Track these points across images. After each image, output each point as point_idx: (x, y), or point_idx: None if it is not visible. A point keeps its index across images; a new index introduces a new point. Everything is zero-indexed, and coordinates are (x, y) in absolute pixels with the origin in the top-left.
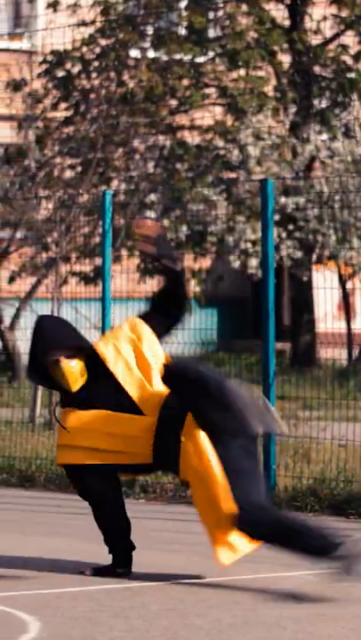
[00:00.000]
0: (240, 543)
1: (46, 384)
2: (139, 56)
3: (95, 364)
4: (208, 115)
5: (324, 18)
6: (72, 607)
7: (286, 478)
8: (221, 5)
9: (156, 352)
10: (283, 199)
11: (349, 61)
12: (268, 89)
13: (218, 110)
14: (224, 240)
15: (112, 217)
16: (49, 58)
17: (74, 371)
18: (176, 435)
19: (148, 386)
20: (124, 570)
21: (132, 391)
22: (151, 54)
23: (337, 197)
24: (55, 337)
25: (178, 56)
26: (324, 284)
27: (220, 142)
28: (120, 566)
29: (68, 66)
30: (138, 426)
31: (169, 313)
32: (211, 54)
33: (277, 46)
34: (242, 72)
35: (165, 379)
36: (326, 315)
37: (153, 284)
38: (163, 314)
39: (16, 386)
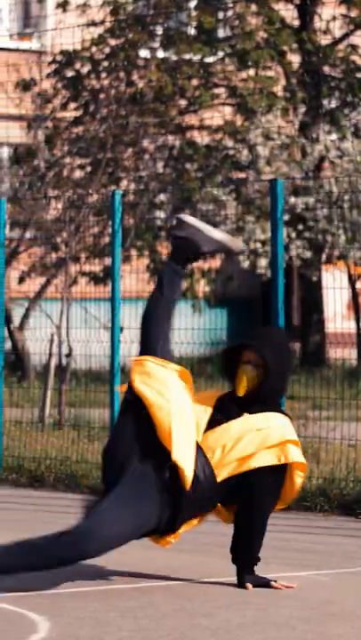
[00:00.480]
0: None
1: (226, 375)
2: (148, 56)
3: None
4: (217, 115)
5: (334, 18)
6: (81, 607)
7: None
8: (231, 5)
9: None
10: (292, 199)
11: (359, 61)
12: (278, 89)
13: (227, 110)
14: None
15: (121, 217)
16: (58, 58)
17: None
18: None
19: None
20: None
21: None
22: (161, 54)
23: (346, 197)
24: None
25: (187, 56)
26: (334, 284)
27: (229, 142)
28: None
29: (78, 66)
30: None
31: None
32: (220, 54)
33: (287, 46)
34: (251, 72)
35: None
36: (336, 315)
37: None
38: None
39: (25, 386)
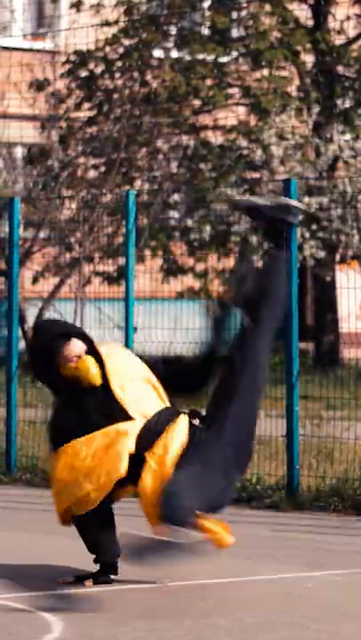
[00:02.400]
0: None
1: (52, 383)
2: (162, 56)
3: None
4: (231, 115)
5: (348, 17)
6: (95, 607)
7: (310, 478)
8: (245, 5)
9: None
10: (306, 199)
11: None
12: (292, 89)
13: (241, 110)
14: (248, 240)
15: (135, 217)
16: (72, 58)
17: (93, 365)
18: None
19: (145, 396)
20: (108, 578)
21: (122, 395)
22: (174, 54)
23: (360, 197)
24: (67, 329)
25: (201, 56)
26: (348, 284)
27: (243, 142)
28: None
29: (92, 66)
30: (118, 431)
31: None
32: (234, 54)
33: (301, 46)
34: (265, 72)
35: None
36: (350, 314)
37: (176, 285)
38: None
39: (39, 386)
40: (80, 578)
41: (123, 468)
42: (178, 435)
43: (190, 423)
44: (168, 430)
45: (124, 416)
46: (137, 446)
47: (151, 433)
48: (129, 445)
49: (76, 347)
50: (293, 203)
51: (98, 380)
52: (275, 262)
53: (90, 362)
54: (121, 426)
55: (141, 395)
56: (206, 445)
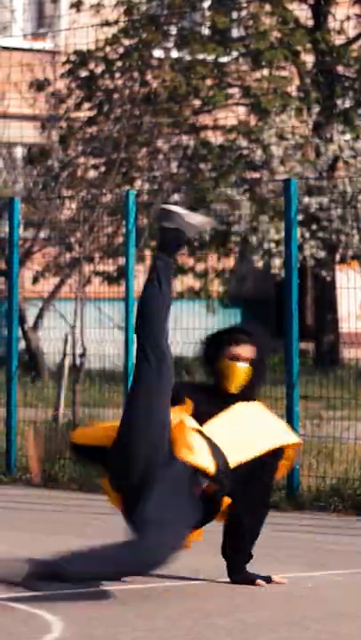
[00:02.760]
0: None
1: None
2: (162, 56)
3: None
4: (231, 115)
5: (348, 17)
6: (95, 607)
7: (310, 478)
8: (245, 5)
9: None
10: (306, 199)
11: None
12: (292, 89)
13: (241, 110)
14: (248, 240)
15: (135, 217)
16: (72, 58)
17: (246, 376)
18: None
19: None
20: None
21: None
22: (174, 54)
23: (360, 197)
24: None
25: (201, 56)
26: (348, 284)
27: (243, 142)
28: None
29: (92, 66)
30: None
31: None
32: (234, 54)
33: (301, 46)
34: (265, 72)
35: None
36: (350, 314)
37: (176, 285)
38: None
39: (39, 386)
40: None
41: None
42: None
43: None
44: None
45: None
46: None
47: None
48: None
49: (247, 351)
50: (210, 227)
51: (236, 390)
52: (165, 267)
53: (244, 371)
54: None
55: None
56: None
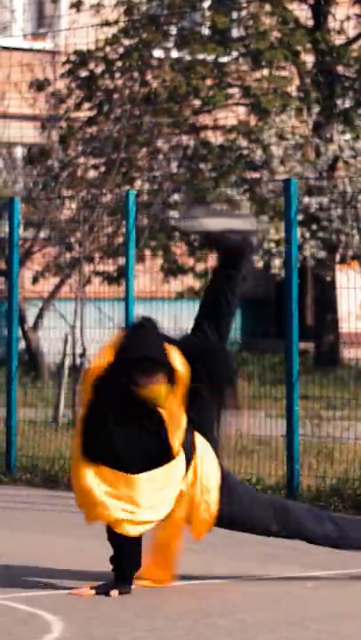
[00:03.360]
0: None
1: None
2: (162, 56)
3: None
4: (231, 115)
5: (348, 17)
6: (95, 607)
7: (310, 478)
8: (245, 5)
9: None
10: (306, 199)
11: None
12: (292, 89)
13: (241, 110)
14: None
15: (135, 217)
16: (72, 58)
17: (166, 392)
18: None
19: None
20: (127, 589)
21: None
22: (174, 54)
23: (360, 197)
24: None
25: (201, 56)
26: (348, 284)
27: (243, 142)
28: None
29: (92, 66)
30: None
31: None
32: (234, 54)
33: (301, 46)
34: (265, 72)
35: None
36: (350, 314)
37: (176, 284)
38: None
39: (39, 386)
40: (96, 588)
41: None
42: (206, 458)
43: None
44: (195, 456)
45: (168, 447)
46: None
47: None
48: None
49: (158, 375)
50: (246, 224)
51: (165, 406)
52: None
53: (164, 389)
54: (171, 471)
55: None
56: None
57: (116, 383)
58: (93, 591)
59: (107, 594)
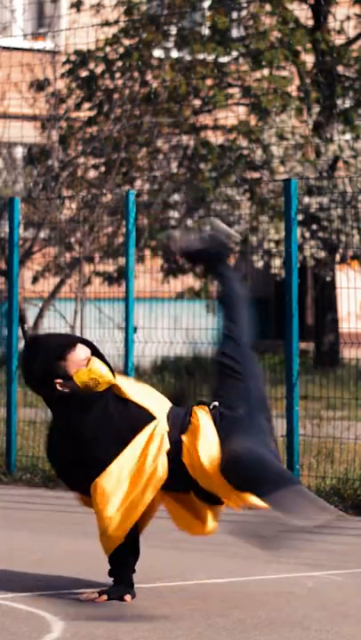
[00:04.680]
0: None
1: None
2: (162, 56)
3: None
4: (231, 115)
5: (348, 17)
6: (96, 607)
7: (310, 478)
8: (245, 5)
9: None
10: (306, 199)
11: None
12: (292, 89)
13: (241, 110)
14: (248, 240)
15: (135, 217)
16: (72, 58)
17: (102, 365)
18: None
19: (153, 393)
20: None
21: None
22: (175, 54)
23: (360, 197)
24: (68, 338)
25: (201, 56)
26: (348, 284)
27: (243, 142)
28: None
29: (92, 66)
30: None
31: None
32: (234, 54)
33: (301, 46)
34: (265, 72)
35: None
36: (350, 314)
37: (177, 285)
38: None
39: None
40: (107, 593)
41: (162, 471)
42: (204, 424)
43: (210, 408)
44: (192, 421)
45: (145, 416)
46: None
47: (176, 429)
48: (164, 447)
49: (81, 350)
50: (226, 233)
51: (113, 379)
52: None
53: (99, 362)
54: (147, 431)
55: (149, 391)
56: (238, 421)
57: (55, 398)
58: (105, 596)
59: (121, 598)
